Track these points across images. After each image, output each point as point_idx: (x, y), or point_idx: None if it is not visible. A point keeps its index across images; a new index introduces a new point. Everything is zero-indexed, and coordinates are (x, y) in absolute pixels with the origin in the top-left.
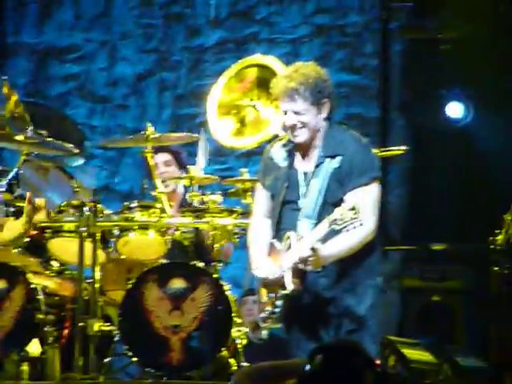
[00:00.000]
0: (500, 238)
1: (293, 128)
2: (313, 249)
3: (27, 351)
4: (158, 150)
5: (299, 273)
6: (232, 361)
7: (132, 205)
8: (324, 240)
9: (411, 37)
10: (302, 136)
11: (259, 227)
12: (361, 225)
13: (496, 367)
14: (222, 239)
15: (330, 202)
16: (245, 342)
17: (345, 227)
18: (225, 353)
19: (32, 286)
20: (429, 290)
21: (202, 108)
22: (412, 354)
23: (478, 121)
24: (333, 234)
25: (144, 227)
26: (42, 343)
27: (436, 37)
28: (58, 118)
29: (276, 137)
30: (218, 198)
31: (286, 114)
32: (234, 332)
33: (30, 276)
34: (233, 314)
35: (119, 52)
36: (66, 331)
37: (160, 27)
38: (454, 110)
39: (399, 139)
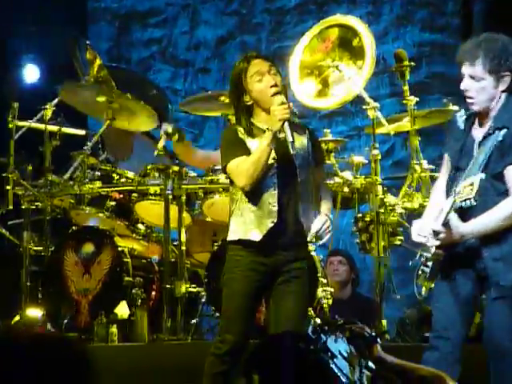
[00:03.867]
0: None
1: (466, 93)
2: (445, 224)
3: (116, 313)
4: None
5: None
6: (318, 320)
7: (216, 167)
8: (467, 214)
9: None
10: (475, 104)
11: (436, 189)
12: (475, 201)
13: None
14: None
15: (490, 173)
16: (330, 301)
17: (463, 201)
18: (311, 312)
19: (119, 248)
20: None
21: (284, 70)
22: None
23: None
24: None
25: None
26: (130, 305)
27: None
28: (140, 82)
29: (359, 97)
30: None
31: (463, 77)
32: (320, 292)
33: (117, 239)
34: (319, 275)
35: (200, 15)
36: (153, 293)
37: None
38: None
39: None
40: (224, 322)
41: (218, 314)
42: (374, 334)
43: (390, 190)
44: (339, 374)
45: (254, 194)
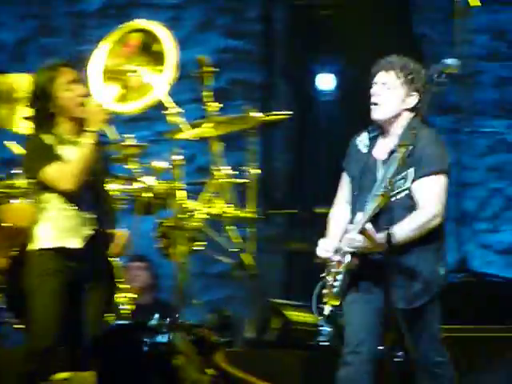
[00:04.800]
0: None
1: (374, 98)
2: (362, 231)
3: None
4: None
5: (358, 254)
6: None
7: (15, 171)
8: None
9: (294, 2)
10: (380, 111)
11: (338, 212)
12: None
13: None
14: None
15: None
16: (131, 307)
17: (396, 194)
18: (110, 318)
19: None
20: (312, 253)
21: (85, 74)
22: (295, 316)
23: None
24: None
25: (27, 194)
26: None
27: (317, 2)
28: None
29: (160, 102)
30: None
31: (375, 85)
32: (120, 298)
33: None
34: (118, 280)
35: None
36: None
37: None
38: (326, 81)
39: (283, 104)
40: (36, 325)
41: (16, 320)
42: (218, 341)
43: (192, 196)
44: (179, 369)
45: (70, 202)
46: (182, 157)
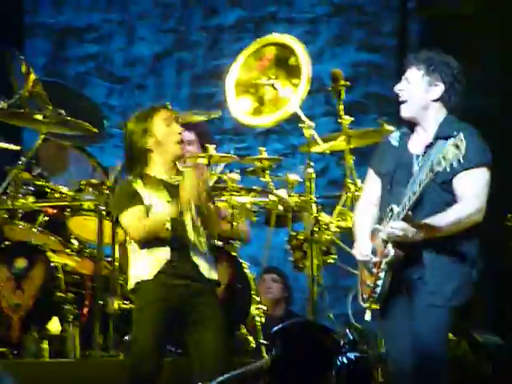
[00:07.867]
0: None
1: (399, 94)
2: (405, 218)
3: (47, 329)
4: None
5: (400, 244)
6: (251, 338)
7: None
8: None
9: (428, 15)
10: (406, 109)
11: (364, 214)
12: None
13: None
14: (240, 217)
15: (438, 182)
16: (263, 319)
17: (451, 164)
18: (243, 330)
19: (52, 264)
20: None
21: (220, 87)
22: None
23: None
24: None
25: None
26: (62, 321)
27: (454, 13)
28: (76, 97)
29: (293, 116)
30: (236, 176)
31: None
32: (253, 310)
33: (49, 254)
34: (252, 292)
35: (137, 32)
36: (85, 309)
37: (178, 7)
38: None
39: None
40: (135, 355)
41: None
42: None
43: (325, 209)
44: None
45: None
46: (314, 170)
